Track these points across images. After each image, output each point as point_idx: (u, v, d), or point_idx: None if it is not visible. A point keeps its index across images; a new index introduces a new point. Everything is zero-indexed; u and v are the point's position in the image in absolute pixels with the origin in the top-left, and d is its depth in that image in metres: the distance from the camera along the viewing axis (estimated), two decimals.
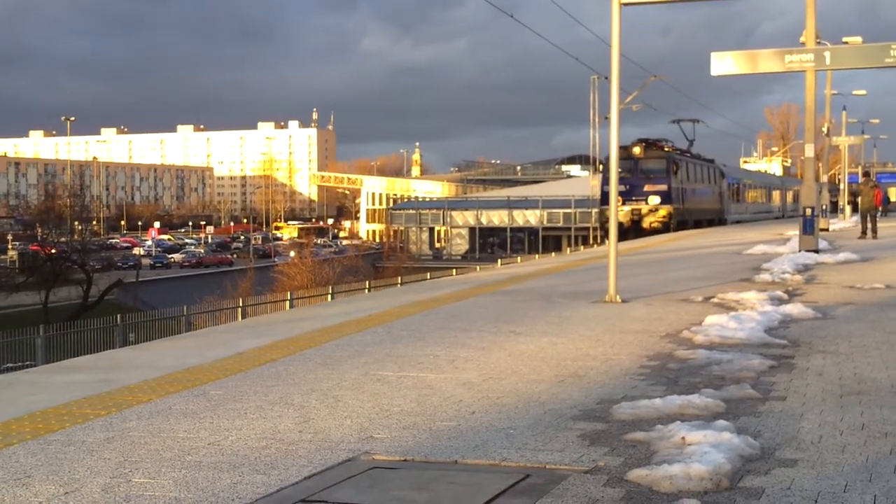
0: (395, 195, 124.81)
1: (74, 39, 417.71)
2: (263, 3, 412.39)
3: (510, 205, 79.62)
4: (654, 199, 40.55)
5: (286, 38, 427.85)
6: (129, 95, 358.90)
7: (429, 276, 33.48)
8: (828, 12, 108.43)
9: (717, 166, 51.90)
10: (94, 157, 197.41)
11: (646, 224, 40.65)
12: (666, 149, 42.84)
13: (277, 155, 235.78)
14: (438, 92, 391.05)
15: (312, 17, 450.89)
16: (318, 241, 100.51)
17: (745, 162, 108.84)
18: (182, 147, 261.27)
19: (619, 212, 40.55)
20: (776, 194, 69.18)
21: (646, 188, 41.18)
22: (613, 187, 13.49)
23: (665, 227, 40.21)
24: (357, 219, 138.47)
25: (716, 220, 49.23)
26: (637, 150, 41.93)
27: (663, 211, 40.75)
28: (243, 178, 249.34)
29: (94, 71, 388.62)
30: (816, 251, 19.92)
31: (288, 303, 30.41)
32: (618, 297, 12.42)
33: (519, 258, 37.94)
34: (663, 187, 40.90)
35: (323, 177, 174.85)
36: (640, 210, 40.92)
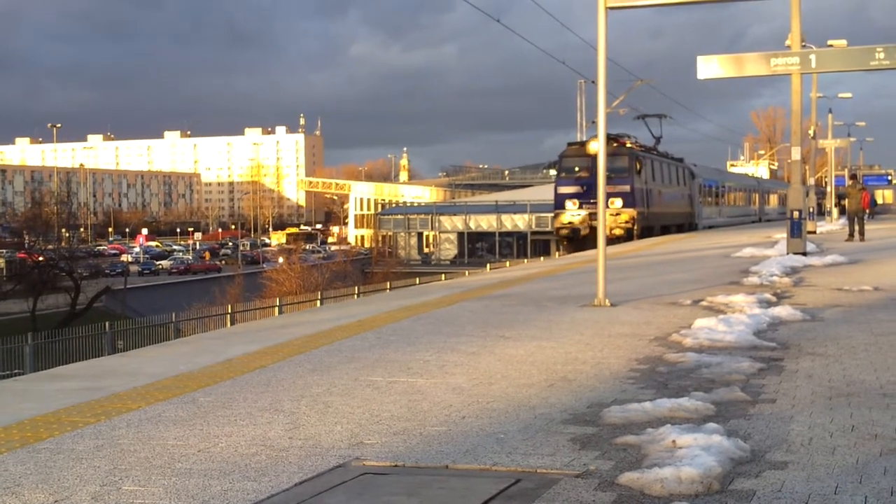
0: (384, 200, 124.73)
1: (61, 45, 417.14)
2: (253, 9, 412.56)
3: (498, 209, 79.66)
4: (615, 202, 36.12)
5: (275, 44, 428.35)
6: (116, 102, 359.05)
7: (418, 281, 33.45)
8: (819, 14, 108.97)
9: (686, 166, 47.75)
10: (81, 164, 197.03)
11: (606, 231, 37.90)
12: (628, 145, 38.70)
13: (265, 161, 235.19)
14: (428, 97, 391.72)
15: (302, 22, 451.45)
16: (307, 247, 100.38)
17: (732, 165, 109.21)
18: (169, 153, 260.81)
19: (574, 216, 36.40)
20: (754, 197, 65.13)
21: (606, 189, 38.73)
22: (601, 189, 13.42)
23: (628, 234, 36.27)
24: (345, 224, 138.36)
25: (686, 225, 45.25)
26: (595, 144, 38.58)
27: (625, 215, 36.59)
28: (231, 184, 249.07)
29: (80, 77, 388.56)
30: (804, 254, 19.99)
31: (277, 309, 30.36)
32: (607, 300, 12.43)
33: (508, 262, 38.06)
34: (625, 188, 36.67)
35: (311, 182, 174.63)
36: (598, 215, 37.99)
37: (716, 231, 42.38)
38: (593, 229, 33.70)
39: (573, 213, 36.25)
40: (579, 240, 36.18)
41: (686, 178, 46.40)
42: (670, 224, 41.70)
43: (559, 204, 37.50)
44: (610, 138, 35.50)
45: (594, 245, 34.24)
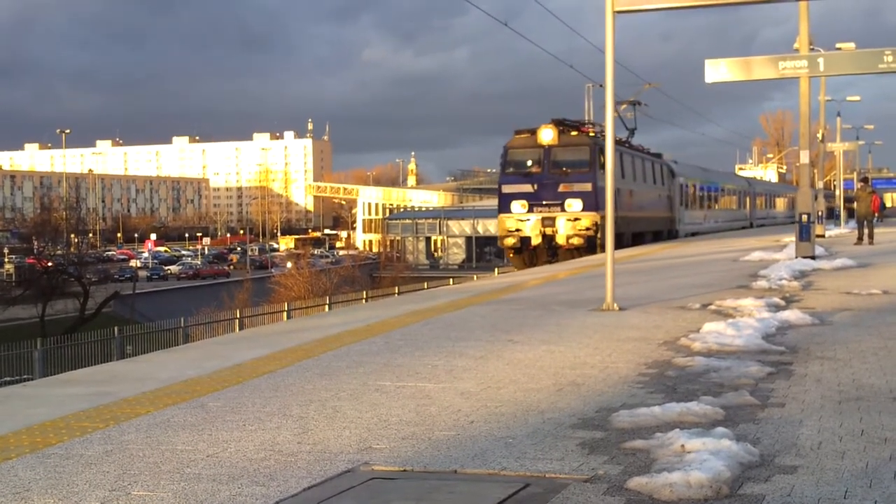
0: (392, 205, 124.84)
1: (71, 52, 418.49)
2: (265, 14, 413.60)
3: None
4: (574, 205, 29.49)
5: (286, 49, 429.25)
6: (125, 107, 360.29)
7: (426, 286, 33.44)
8: (832, 18, 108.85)
9: (665, 162, 41.28)
10: (90, 170, 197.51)
11: (562, 240, 29.52)
12: (591, 133, 31.87)
13: (273, 166, 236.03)
14: (437, 101, 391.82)
15: (314, 26, 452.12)
16: (315, 252, 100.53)
17: (741, 168, 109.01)
18: (177, 158, 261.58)
19: (523, 222, 29.88)
20: (745, 199, 58.39)
21: (561, 188, 29.81)
22: (609, 193, 13.38)
23: (589, 244, 29.28)
24: (353, 229, 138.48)
25: (664, 231, 39.03)
26: (548, 133, 30.25)
27: (586, 220, 29.38)
28: (239, 189, 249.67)
29: (89, 83, 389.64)
30: (813, 257, 19.94)
31: (285, 314, 30.46)
32: (615, 305, 12.41)
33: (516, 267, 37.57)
34: (586, 187, 29.60)
35: (319, 187, 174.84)
36: (552, 220, 29.67)
37: (701, 239, 37.73)
38: (547, 239, 29.64)
39: (521, 219, 30.04)
40: (529, 251, 30.31)
41: (665, 176, 40.09)
42: (645, 231, 35.38)
43: (504, 206, 30.72)
44: (568, 125, 31.17)
45: (548, 258, 29.35)
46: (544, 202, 29.81)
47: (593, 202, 29.11)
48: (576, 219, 29.39)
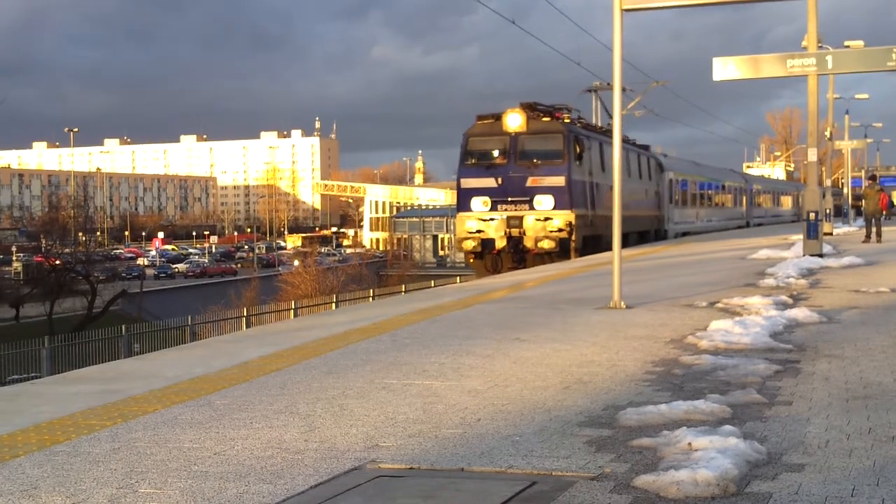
0: (399, 203, 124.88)
1: (79, 50, 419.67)
2: (274, 13, 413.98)
3: None
4: (545, 202, 25.85)
5: (295, 47, 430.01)
6: (133, 106, 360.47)
7: (433, 284, 33.45)
8: (842, 16, 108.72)
9: (653, 155, 37.66)
10: (98, 168, 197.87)
11: (530, 243, 25.68)
12: (566, 119, 27.86)
13: (280, 164, 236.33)
14: (445, 99, 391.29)
15: (323, 25, 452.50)
16: (322, 250, 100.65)
17: (749, 167, 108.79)
18: (185, 157, 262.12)
19: (486, 222, 25.91)
20: (741, 197, 54.71)
21: (530, 182, 25.99)
22: (617, 190, 13.35)
23: (562, 248, 25.66)
24: (360, 227, 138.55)
25: (650, 231, 35.40)
26: (515, 119, 26.19)
27: (559, 220, 25.66)
28: (246, 187, 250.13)
29: (97, 81, 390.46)
30: (821, 255, 19.90)
31: (292, 312, 30.50)
32: (622, 303, 12.40)
33: None
34: (559, 181, 25.91)
35: (326, 185, 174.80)
36: (520, 219, 25.79)
37: (700, 239, 35.11)
38: (514, 241, 25.80)
39: (483, 218, 26.17)
40: (492, 256, 26.35)
41: (652, 170, 36.37)
42: (629, 231, 29.44)
43: (463, 204, 26.74)
44: (539, 109, 27.43)
45: (515, 264, 25.85)
46: (510, 199, 25.98)
47: (567, 199, 25.80)
48: (546, 218, 25.70)
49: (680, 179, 40.83)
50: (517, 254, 25.91)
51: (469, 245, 26.16)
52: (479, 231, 26.13)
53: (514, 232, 25.75)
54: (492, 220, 26.00)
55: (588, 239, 26.87)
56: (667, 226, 37.99)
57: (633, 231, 31.59)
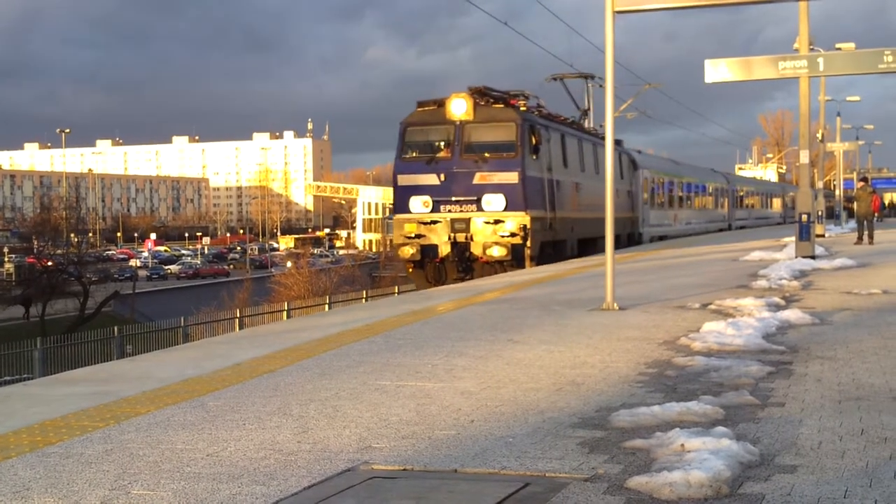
0: (392, 205, 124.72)
1: (70, 51, 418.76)
2: (268, 14, 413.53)
3: None
4: (495, 202, 22.55)
5: (289, 49, 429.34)
6: (125, 107, 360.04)
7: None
8: (835, 18, 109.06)
9: (625, 151, 34.43)
10: (90, 169, 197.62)
11: (478, 249, 22.52)
12: (521, 106, 24.05)
13: (273, 165, 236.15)
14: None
15: (318, 26, 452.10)
16: (315, 251, 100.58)
17: (741, 168, 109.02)
18: (177, 158, 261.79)
19: (426, 225, 22.65)
20: (723, 199, 51.94)
21: (478, 180, 22.71)
22: (609, 193, 13.39)
23: (515, 255, 22.52)
24: (353, 228, 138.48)
25: (622, 235, 31.67)
26: (460, 106, 22.84)
27: (512, 223, 22.39)
28: (239, 188, 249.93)
29: (89, 83, 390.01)
30: (813, 257, 19.95)
31: (285, 313, 30.48)
32: (615, 304, 12.41)
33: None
34: (512, 178, 22.60)
35: (319, 187, 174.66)
36: (466, 222, 22.58)
37: (674, 244, 32.86)
38: (459, 248, 22.64)
39: (424, 221, 22.99)
40: (435, 265, 23.31)
41: (625, 168, 33.02)
42: (597, 235, 24.25)
43: (400, 204, 23.60)
44: (491, 95, 23.86)
45: (461, 274, 22.99)
46: (454, 199, 22.68)
47: (521, 199, 22.51)
48: (497, 221, 22.44)
49: (656, 178, 38.29)
50: (463, 262, 22.96)
51: (407, 252, 22.93)
52: (418, 236, 22.93)
53: (460, 237, 22.60)
54: (433, 223, 22.80)
55: (546, 245, 23.87)
56: (641, 228, 35.72)
57: (599, 235, 27.59)
